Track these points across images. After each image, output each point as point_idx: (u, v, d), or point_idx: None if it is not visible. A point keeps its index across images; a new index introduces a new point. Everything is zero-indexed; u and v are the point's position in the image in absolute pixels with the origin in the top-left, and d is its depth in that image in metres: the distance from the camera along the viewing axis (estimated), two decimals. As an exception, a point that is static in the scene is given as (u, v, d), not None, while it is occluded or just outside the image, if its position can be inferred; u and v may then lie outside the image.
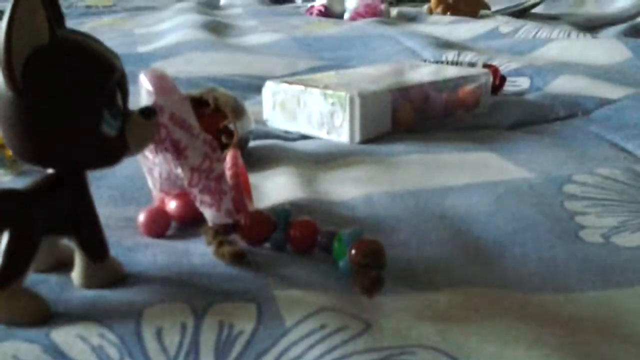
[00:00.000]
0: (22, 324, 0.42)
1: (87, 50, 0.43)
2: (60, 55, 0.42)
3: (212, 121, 0.74)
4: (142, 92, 0.52)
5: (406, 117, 0.87)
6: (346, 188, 0.66)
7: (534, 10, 2.15)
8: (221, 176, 0.53)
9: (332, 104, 0.82)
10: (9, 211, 0.43)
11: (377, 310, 0.44)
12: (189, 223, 0.56)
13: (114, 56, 0.44)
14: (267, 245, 0.53)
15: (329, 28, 1.79)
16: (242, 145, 0.74)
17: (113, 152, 0.45)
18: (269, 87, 0.89)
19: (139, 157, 0.53)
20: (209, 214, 0.53)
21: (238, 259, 0.49)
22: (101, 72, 0.43)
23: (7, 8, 0.39)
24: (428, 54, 1.37)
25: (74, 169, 0.45)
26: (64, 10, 0.45)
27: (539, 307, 0.45)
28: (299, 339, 0.41)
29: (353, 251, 0.47)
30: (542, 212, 0.59)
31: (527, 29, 1.63)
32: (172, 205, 0.57)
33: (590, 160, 0.74)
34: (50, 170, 0.45)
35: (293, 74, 1.18)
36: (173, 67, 1.24)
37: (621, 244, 0.54)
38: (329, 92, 0.83)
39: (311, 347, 0.40)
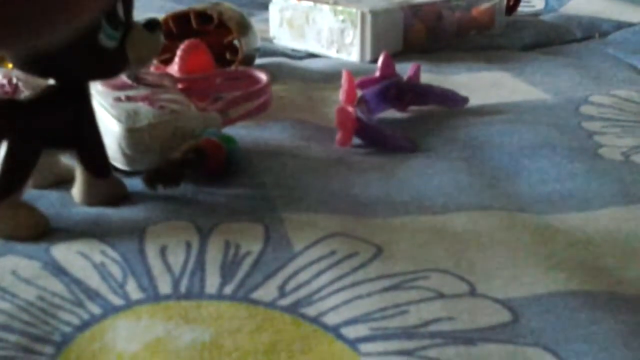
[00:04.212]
0: (20, 238, 0.40)
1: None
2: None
3: (216, 37, 0.71)
4: None
5: (418, 36, 0.84)
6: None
7: None
8: None
9: (343, 20, 0.79)
10: (7, 121, 0.41)
11: (388, 233, 0.42)
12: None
13: None
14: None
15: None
16: (247, 62, 0.72)
17: (111, 64, 0.43)
18: (276, 3, 0.86)
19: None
20: None
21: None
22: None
23: None
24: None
25: (73, 80, 0.43)
26: None
27: (557, 228, 0.43)
28: (307, 264, 0.39)
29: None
30: (560, 131, 0.57)
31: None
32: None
33: (606, 82, 0.72)
34: (51, 82, 0.43)
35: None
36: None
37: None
38: (339, 8, 0.79)
39: (320, 273, 0.38)
